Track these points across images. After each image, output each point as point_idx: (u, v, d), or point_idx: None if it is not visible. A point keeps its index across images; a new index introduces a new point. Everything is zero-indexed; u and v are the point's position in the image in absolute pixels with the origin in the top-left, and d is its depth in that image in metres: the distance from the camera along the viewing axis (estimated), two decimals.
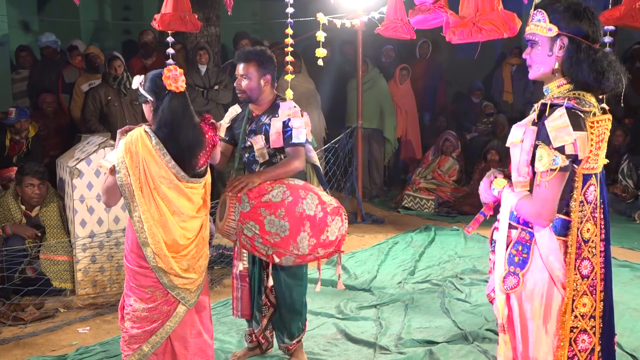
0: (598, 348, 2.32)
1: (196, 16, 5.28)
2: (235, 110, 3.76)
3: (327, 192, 3.66)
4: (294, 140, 3.49)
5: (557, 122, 2.18)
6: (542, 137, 2.21)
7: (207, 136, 3.13)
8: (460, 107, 9.26)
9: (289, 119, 3.51)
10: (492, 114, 8.70)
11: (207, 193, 3.21)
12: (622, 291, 4.85)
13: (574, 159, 2.21)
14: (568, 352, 2.29)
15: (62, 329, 4.37)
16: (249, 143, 3.59)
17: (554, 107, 2.22)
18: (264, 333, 3.80)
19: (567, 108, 2.19)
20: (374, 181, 8.16)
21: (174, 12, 5.00)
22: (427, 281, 5.18)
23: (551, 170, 2.19)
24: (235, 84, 3.57)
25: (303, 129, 3.52)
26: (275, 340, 3.86)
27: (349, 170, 7.18)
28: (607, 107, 2.39)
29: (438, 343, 4.01)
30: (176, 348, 3.19)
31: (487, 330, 4.15)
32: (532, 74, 2.39)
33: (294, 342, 3.75)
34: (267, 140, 3.53)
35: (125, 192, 2.97)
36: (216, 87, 6.98)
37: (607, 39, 4.22)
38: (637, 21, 4.14)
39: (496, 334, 4.06)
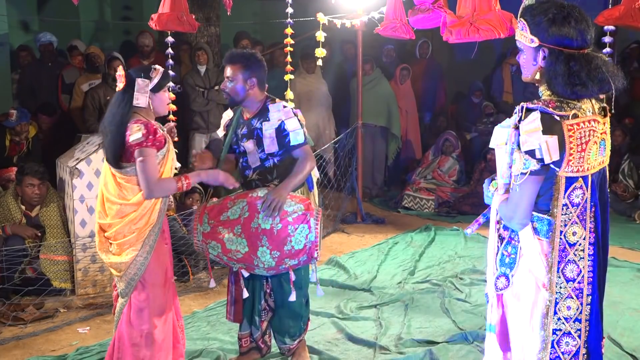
0: (583, 351, 2.30)
1: (194, 16, 5.27)
2: (227, 115, 3.73)
3: (310, 194, 3.62)
4: (293, 142, 3.44)
5: (530, 126, 2.17)
6: (518, 140, 2.20)
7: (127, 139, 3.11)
8: (461, 107, 9.26)
9: (283, 122, 3.45)
10: (492, 114, 8.70)
11: (131, 192, 3.18)
12: (622, 291, 4.85)
13: (554, 162, 2.18)
14: (550, 354, 2.28)
15: (62, 329, 4.37)
16: (242, 148, 3.54)
17: (530, 110, 2.20)
18: (263, 338, 3.78)
19: (541, 112, 2.17)
20: (374, 181, 8.17)
21: (171, 12, 5.00)
22: (427, 281, 5.18)
23: (522, 174, 2.19)
24: (221, 86, 3.55)
25: (299, 129, 3.47)
26: (275, 342, 3.82)
27: (349, 170, 7.18)
28: (607, 107, 2.35)
29: (438, 343, 4.01)
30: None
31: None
32: (524, 78, 2.39)
33: (295, 342, 3.72)
34: (258, 144, 3.47)
35: None
36: (216, 88, 6.97)
37: (607, 39, 4.23)
38: (636, 21, 4.15)
39: None
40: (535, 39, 2.25)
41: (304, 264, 3.47)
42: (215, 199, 3.54)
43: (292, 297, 3.50)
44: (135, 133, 3.09)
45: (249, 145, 3.49)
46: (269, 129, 3.45)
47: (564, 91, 2.21)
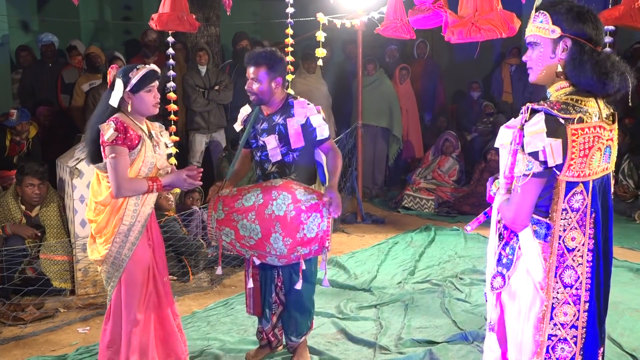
0: (579, 358, 2.28)
1: (194, 16, 5.28)
2: (245, 110, 3.77)
3: (322, 186, 3.65)
4: (320, 137, 3.53)
5: (534, 127, 2.14)
6: (522, 141, 2.17)
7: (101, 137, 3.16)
8: (460, 107, 9.27)
9: (308, 118, 3.52)
10: (492, 114, 8.72)
11: (104, 188, 3.23)
12: (622, 291, 4.85)
13: (556, 166, 2.16)
14: (545, 359, 2.26)
15: (62, 329, 4.37)
16: (261, 142, 3.60)
17: (535, 111, 2.17)
18: (274, 331, 3.82)
19: (546, 114, 2.14)
20: (375, 181, 8.17)
21: (171, 12, 5.01)
22: (427, 281, 5.18)
23: (524, 175, 2.17)
24: (246, 87, 3.55)
25: (324, 124, 3.56)
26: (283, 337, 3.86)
27: (349, 170, 7.18)
28: (615, 113, 2.32)
29: (438, 343, 4.01)
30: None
31: None
32: (533, 77, 2.33)
33: (301, 339, 3.77)
34: (280, 139, 3.53)
35: None
36: (216, 88, 6.98)
37: (607, 39, 4.23)
38: (636, 21, 4.15)
39: None
40: (557, 29, 2.22)
41: (315, 253, 3.50)
42: (226, 190, 3.56)
43: (298, 285, 3.52)
44: (107, 131, 3.12)
45: (270, 140, 3.54)
46: (294, 125, 3.51)
47: (590, 79, 2.18)
